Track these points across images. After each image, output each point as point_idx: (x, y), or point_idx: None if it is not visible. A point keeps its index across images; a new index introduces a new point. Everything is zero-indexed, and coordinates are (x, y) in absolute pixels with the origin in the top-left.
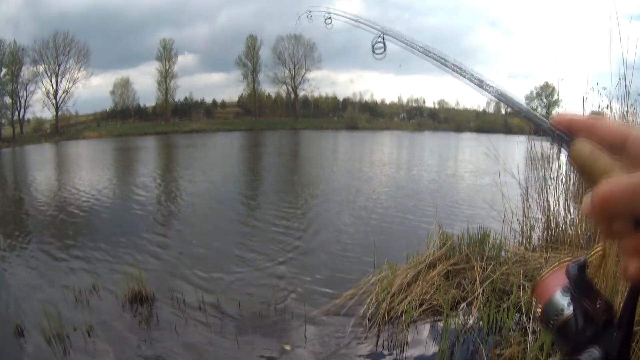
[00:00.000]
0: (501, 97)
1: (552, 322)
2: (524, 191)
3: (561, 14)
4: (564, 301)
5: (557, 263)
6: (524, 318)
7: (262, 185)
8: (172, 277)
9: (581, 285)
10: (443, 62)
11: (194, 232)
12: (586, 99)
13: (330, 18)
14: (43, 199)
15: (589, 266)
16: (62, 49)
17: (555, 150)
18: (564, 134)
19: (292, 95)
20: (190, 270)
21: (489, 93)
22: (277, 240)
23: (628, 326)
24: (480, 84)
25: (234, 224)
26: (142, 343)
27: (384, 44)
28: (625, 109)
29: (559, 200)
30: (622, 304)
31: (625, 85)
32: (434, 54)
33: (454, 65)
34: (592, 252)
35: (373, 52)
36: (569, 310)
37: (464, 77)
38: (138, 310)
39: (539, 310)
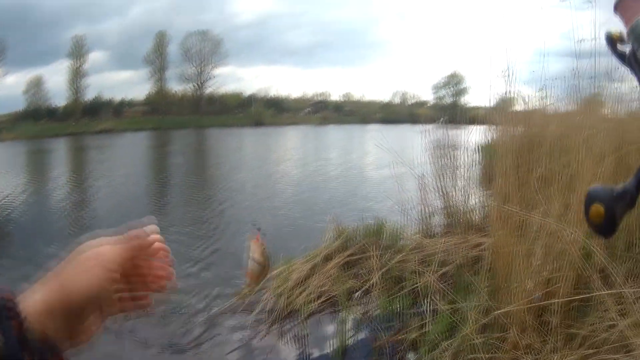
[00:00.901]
0: None
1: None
2: (420, 180)
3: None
4: None
5: None
6: (423, 302)
7: (165, 187)
8: None
9: None
10: None
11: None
12: (492, 86)
13: None
14: None
15: None
16: None
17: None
18: None
19: (198, 93)
20: None
21: None
22: (179, 241)
23: None
24: None
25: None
26: None
27: None
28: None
29: (457, 187)
30: None
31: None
32: None
33: None
34: None
35: None
36: None
37: None
38: None
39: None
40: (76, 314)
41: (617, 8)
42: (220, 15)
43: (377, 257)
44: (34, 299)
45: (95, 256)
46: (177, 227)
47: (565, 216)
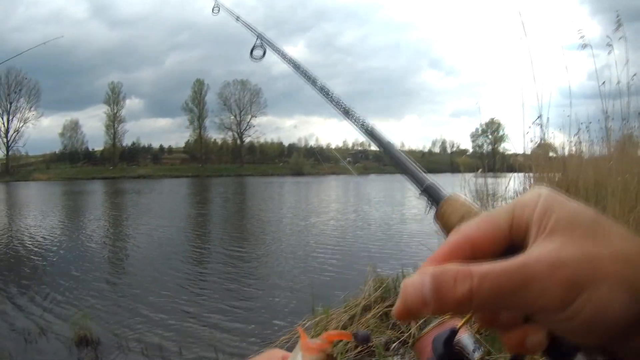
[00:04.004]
0: (368, 133)
1: None
2: None
3: (501, 49)
4: None
5: (439, 320)
6: None
7: (207, 233)
8: (117, 321)
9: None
10: (312, 81)
11: (140, 277)
12: (527, 133)
13: (217, 7)
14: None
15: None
16: (14, 87)
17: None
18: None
19: (238, 142)
20: (134, 315)
21: (356, 125)
22: (220, 286)
23: None
24: (346, 112)
25: (180, 270)
26: None
27: (264, 50)
28: (569, 139)
29: None
30: None
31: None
32: (303, 69)
33: (322, 87)
34: (462, 322)
35: (251, 55)
36: None
37: (331, 102)
38: (84, 353)
39: None
40: None
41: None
42: (255, 65)
43: None
44: None
45: None
46: (215, 277)
47: None
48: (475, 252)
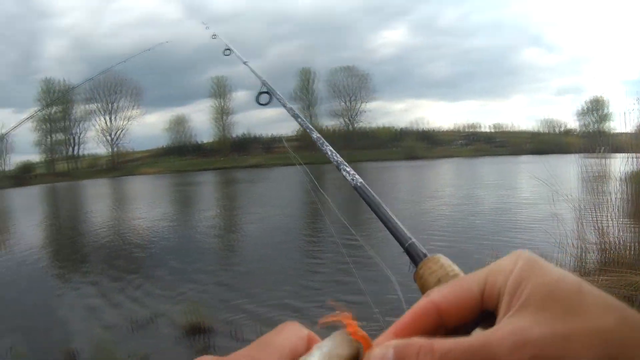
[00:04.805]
0: (356, 188)
1: None
2: (578, 213)
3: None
4: None
5: None
6: None
7: (318, 221)
8: (230, 309)
9: None
10: (309, 129)
11: (253, 266)
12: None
13: (229, 49)
14: (105, 231)
15: None
16: (114, 88)
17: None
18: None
19: (350, 127)
20: (247, 303)
21: (348, 177)
22: (338, 276)
23: None
24: (338, 165)
25: (293, 259)
26: None
27: (270, 97)
28: None
29: (612, 221)
30: None
31: None
32: (302, 119)
33: (318, 137)
34: None
35: (257, 101)
36: None
37: (325, 152)
38: (194, 341)
39: None
40: None
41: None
42: (359, 51)
43: None
44: None
45: None
46: (327, 268)
47: None
48: (443, 320)
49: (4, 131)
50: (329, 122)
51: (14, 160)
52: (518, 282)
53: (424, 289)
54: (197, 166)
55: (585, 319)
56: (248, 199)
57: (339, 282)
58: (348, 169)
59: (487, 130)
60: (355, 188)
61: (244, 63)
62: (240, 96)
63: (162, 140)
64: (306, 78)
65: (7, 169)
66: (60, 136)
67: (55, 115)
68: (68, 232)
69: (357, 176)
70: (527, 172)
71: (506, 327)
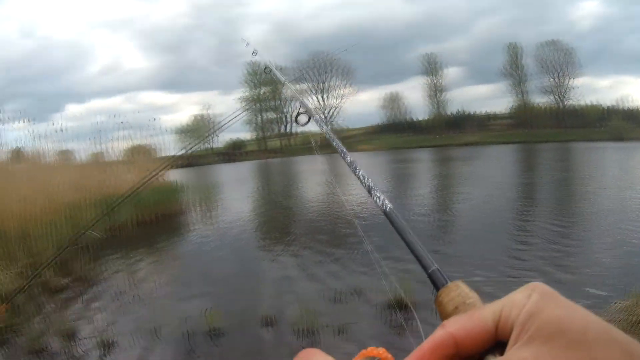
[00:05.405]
0: (389, 214)
1: None
2: None
3: None
4: None
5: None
6: None
7: (530, 205)
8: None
9: None
10: (344, 154)
11: (460, 248)
12: None
13: (255, 52)
14: (316, 205)
15: None
16: (324, 68)
17: None
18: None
19: (560, 105)
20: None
21: (378, 202)
22: (542, 267)
23: None
24: (370, 190)
25: (498, 243)
26: (389, 347)
27: (309, 117)
28: None
29: None
30: None
31: None
32: (337, 142)
33: (351, 162)
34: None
35: (296, 121)
36: None
37: (357, 175)
38: (395, 317)
39: None
40: None
41: None
42: (560, 24)
43: None
44: None
45: None
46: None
47: None
48: (458, 349)
49: (210, 112)
50: (539, 100)
51: (222, 138)
52: (529, 316)
53: (442, 315)
54: (413, 143)
55: (587, 354)
56: (461, 178)
57: (544, 272)
58: (379, 194)
59: None
60: (385, 213)
61: (301, 103)
62: (452, 72)
63: (376, 117)
64: (514, 53)
65: (215, 146)
66: (270, 115)
67: (264, 96)
68: (275, 204)
69: (386, 201)
70: None
71: (512, 357)
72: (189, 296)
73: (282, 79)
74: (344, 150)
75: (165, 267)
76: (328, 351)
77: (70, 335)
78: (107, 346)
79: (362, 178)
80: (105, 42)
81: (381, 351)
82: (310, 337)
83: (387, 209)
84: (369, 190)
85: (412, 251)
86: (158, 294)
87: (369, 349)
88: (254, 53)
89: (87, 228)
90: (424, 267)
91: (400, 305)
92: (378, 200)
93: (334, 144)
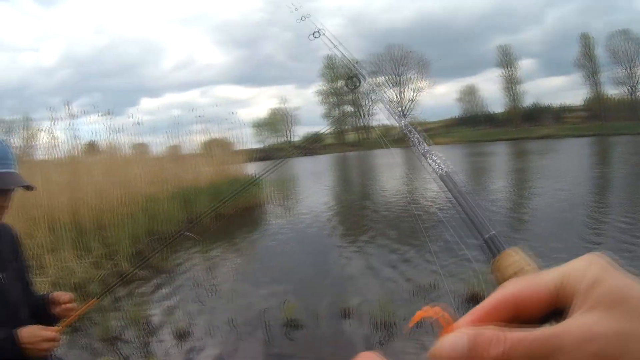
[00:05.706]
0: (443, 178)
1: None
2: None
3: None
4: None
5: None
6: None
7: (602, 200)
8: None
9: None
10: (398, 117)
11: (539, 243)
12: None
13: (317, 33)
14: (395, 199)
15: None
16: (400, 61)
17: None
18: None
19: (632, 96)
20: None
21: (431, 166)
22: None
23: None
24: (424, 154)
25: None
26: None
27: (359, 79)
28: None
29: None
30: None
31: None
32: (412, 131)
33: (406, 124)
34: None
35: (346, 85)
36: None
37: (412, 140)
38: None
39: None
40: None
41: None
42: (631, 13)
43: None
44: None
45: None
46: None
47: None
48: (518, 311)
49: (287, 105)
50: (612, 91)
51: (300, 132)
52: (590, 285)
53: (499, 280)
54: (490, 136)
55: None
56: (535, 172)
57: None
58: (435, 158)
59: None
60: (441, 177)
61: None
62: (526, 64)
63: (454, 110)
64: (586, 44)
65: (291, 139)
66: (348, 108)
67: (341, 90)
68: (354, 196)
69: (442, 165)
70: None
71: (575, 322)
72: (266, 288)
73: (334, 43)
74: (420, 138)
75: (243, 259)
76: (406, 345)
77: (144, 324)
78: (182, 336)
79: (416, 142)
80: (179, 37)
81: (438, 310)
82: (387, 329)
83: (444, 173)
84: (423, 154)
85: (467, 215)
86: (235, 286)
87: (424, 308)
88: (303, 18)
89: (200, 217)
90: (480, 232)
91: (476, 301)
92: (434, 163)
93: (410, 135)
